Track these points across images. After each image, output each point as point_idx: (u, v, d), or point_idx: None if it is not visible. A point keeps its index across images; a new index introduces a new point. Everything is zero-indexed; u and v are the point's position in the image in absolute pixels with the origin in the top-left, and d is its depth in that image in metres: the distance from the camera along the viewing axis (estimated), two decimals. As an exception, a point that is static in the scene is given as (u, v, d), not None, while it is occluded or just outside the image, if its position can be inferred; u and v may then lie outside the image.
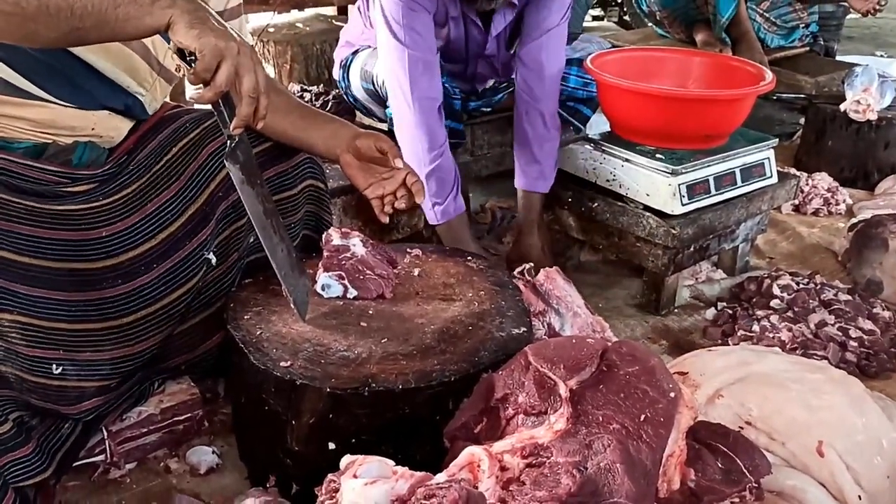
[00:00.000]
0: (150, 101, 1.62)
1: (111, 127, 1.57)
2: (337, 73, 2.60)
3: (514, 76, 2.49)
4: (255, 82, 1.24)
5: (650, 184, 2.10)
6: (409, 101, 2.14)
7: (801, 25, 3.87)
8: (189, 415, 1.64)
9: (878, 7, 3.66)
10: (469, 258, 1.75)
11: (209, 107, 1.31)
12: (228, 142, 1.35)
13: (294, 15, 3.87)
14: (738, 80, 2.25)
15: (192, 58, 1.20)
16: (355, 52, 2.49)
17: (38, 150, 1.49)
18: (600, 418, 1.13)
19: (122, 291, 1.46)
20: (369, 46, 2.43)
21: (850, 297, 2.11)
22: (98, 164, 1.56)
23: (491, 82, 2.62)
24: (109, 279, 1.45)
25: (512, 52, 2.47)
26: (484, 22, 2.33)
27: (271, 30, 3.46)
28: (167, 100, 1.74)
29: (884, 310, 2.10)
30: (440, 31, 2.27)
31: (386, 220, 1.75)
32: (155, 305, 1.50)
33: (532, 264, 1.87)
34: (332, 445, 1.31)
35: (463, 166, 2.67)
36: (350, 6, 2.72)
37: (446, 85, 2.31)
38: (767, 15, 3.78)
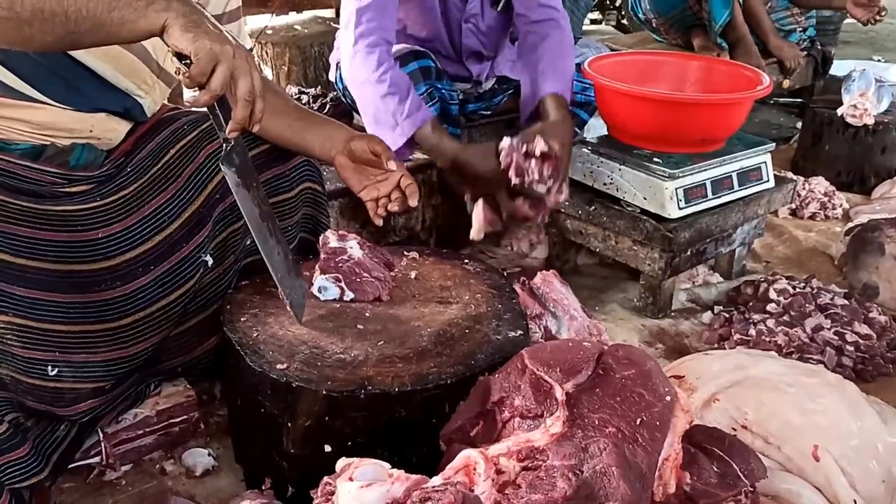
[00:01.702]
0: (150, 103, 1.62)
1: (109, 129, 1.57)
2: (333, 75, 2.60)
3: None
4: (251, 86, 1.24)
5: (647, 187, 2.10)
6: (354, 34, 2.09)
7: (799, 30, 3.88)
8: (185, 417, 1.64)
9: (878, 18, 3.69)
10: (466, 261, 1.75)
11: (206, 109, 1.31)
12: (224, 145, 1.35)
13: (292, 17, 3.87)
14: (735, 84, 2.25)
15: (188, 61, 1.19)
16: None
17: (37, 151, 1.48)
18: (596, 422, 1.13)
19: (120, 293, 1.45)
20: None
21: (846, 302, 2.11)
22: (96, 166, 1.56)
23: (490, 83, 2.61)
24: (107, 281, 1.45)
25: (499, 6, 2.44)
26: None
27: (269, 32, 3.46)
28: (165, 101, 1.74)
29: (880, 314, 2.10)
30: None
31: (380, 222, 1.75)
32: (152, 307, 1.50)
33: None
34: (327, 448, 1.31)
35: (460, 169, 2.67)
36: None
37: (443, 89, 2.32)
38: None
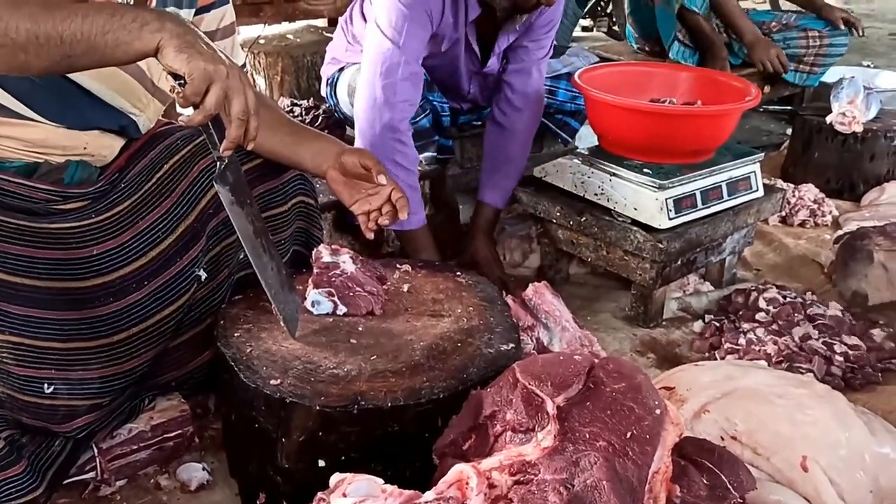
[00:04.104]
0: (144, 121, 1.63)
1: (103, 146, 1.58)
2: (324, 90, 2.62)
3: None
4: (245, 105, 1.25)
5: (637, 198, 2.11)
6: (389, 98, 2.14)
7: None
8: (179, 431, 1.64)
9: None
10: (458, 273, 1.76)
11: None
12: (218, 163, 1.36)
13: (284, 27, 3.88)
14: (725, 94, 2.27)
15: (183, 81, 1.21)
16: (341, 69, 2.52)
17: (30, 169, 1.49)
18: (587, 435, 1.14)
19: (114, 309, 1.46)
20: (356, 63, 2.45)
21: (837, 313, 2.12)
22: (90, 183, 1.57)
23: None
24: (101, 297, 1.46)
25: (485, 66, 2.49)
26: (482, 46, 2.36)
27: (262, 41, 3.47)
28: (159, 116, 1.75)
29: (881, 330, 2.10)
30: (435, 45, 2.29)
31: (371, 235, 1.76)
32: (146, 322, 1.51)
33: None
34: (321, 463, 1.32)
35: (453, 179, 2.70)
36: (340, 19, 2.74)
37: (435, 102, 2.33)
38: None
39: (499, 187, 2.44)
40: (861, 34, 3.61)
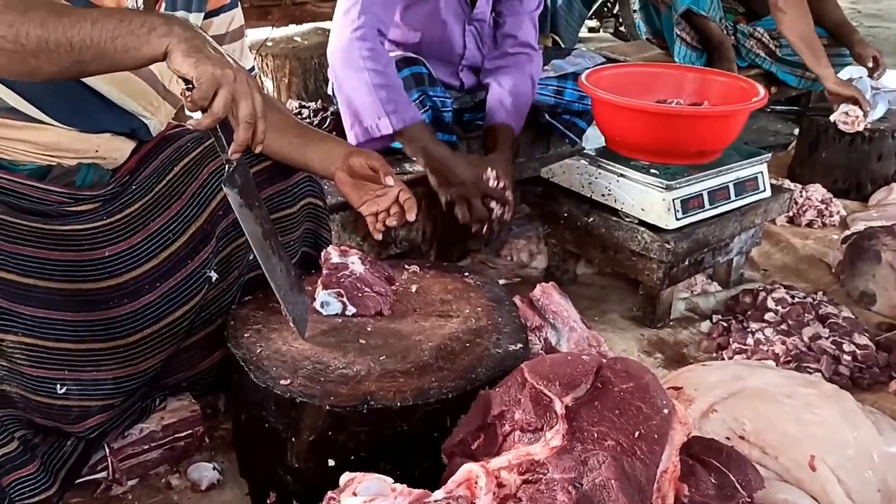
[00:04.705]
0: (156, 124, 1.64)
1: (114, 148, 1.59)
2: (330, 88, 2.62)
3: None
4: (252, 108, 1.26)
5: (645, 198, 2.12)
6: (357, 21, 2.11)
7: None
8: (190, 431, 1.66)
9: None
10: (466, 274, 1.77)
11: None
12: (227, 166, 1.37)
13: (292, 29, 3.90)
14: (732, 95, 2.27)
15: (190, 85, 1.22)
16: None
17: (42, 171, 1.51)
18: (595, 435, 1.15)
19: (127, 311, 1.48)
20: None
21: (848, 314, 2.11)
22: (101, 185, 1.58)
23: (483, 93, 2.64)
24: (114, 299, 1.47)
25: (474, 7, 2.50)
26: None
27: (269, 44, 3.49)
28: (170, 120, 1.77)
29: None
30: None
31: (379, 236, 1.77)
32: (159, 324, 1.52)
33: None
34: (331, 462, 1.33)
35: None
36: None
37: (436, 97, 2.34)
38: (751, 30, 3.78)
39: (511, 112, 2.41)
40: (876, 78, 3.42)
